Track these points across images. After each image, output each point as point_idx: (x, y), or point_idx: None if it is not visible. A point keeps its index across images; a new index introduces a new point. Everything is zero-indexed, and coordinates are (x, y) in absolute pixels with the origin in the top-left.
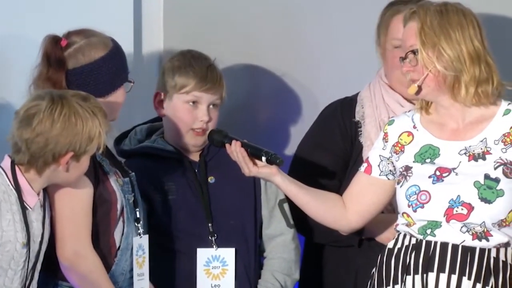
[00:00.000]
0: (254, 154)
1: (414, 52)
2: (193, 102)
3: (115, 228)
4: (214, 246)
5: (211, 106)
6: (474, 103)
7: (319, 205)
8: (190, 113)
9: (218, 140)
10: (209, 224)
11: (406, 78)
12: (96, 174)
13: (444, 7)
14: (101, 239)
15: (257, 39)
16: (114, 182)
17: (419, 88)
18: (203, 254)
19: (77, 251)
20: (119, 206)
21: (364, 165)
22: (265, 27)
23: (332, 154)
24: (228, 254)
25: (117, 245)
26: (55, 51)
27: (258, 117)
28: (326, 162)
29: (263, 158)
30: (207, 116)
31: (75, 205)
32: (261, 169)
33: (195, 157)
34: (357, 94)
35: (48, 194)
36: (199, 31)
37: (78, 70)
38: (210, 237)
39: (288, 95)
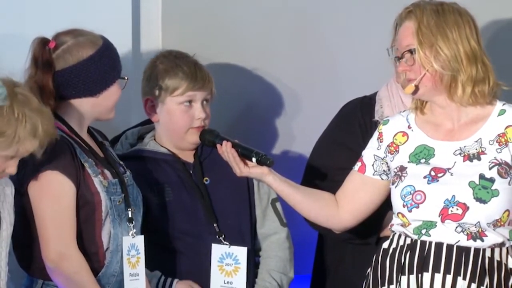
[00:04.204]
0: (244, 154)
1: (411, 51)
2: (189, 102)
3: (101, 230)
4: (227, 244)
5: (204, 102)
6: (471, 103)
7: (311, 204)
8: (186, 113)
9: (209, 140)
10: (214, 224)
11: (401, 77)
12: (78, 174)
13: (440, 6)
14: (85, 240)
15: (256, 40)
16: (99, 183)
17: (416, 88)
18: (217, 250)
19: (61, 252)
20: (103, 208)
21: (358, 164)
22: (264, 28)
23: (352, 152)
24: (241, 252)
25: (105, 247)
26: (42, 54)
27: (255, 117)
28: (346, 160)
29: (253, 159)
30: (203, 113)
31: (57, 206)
32: (252, 169)
33: (189, 158)
34: (375, 94)
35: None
36: (197, 31)
37: (66, 71)
38: (217, 237)
39: (283, 96)
